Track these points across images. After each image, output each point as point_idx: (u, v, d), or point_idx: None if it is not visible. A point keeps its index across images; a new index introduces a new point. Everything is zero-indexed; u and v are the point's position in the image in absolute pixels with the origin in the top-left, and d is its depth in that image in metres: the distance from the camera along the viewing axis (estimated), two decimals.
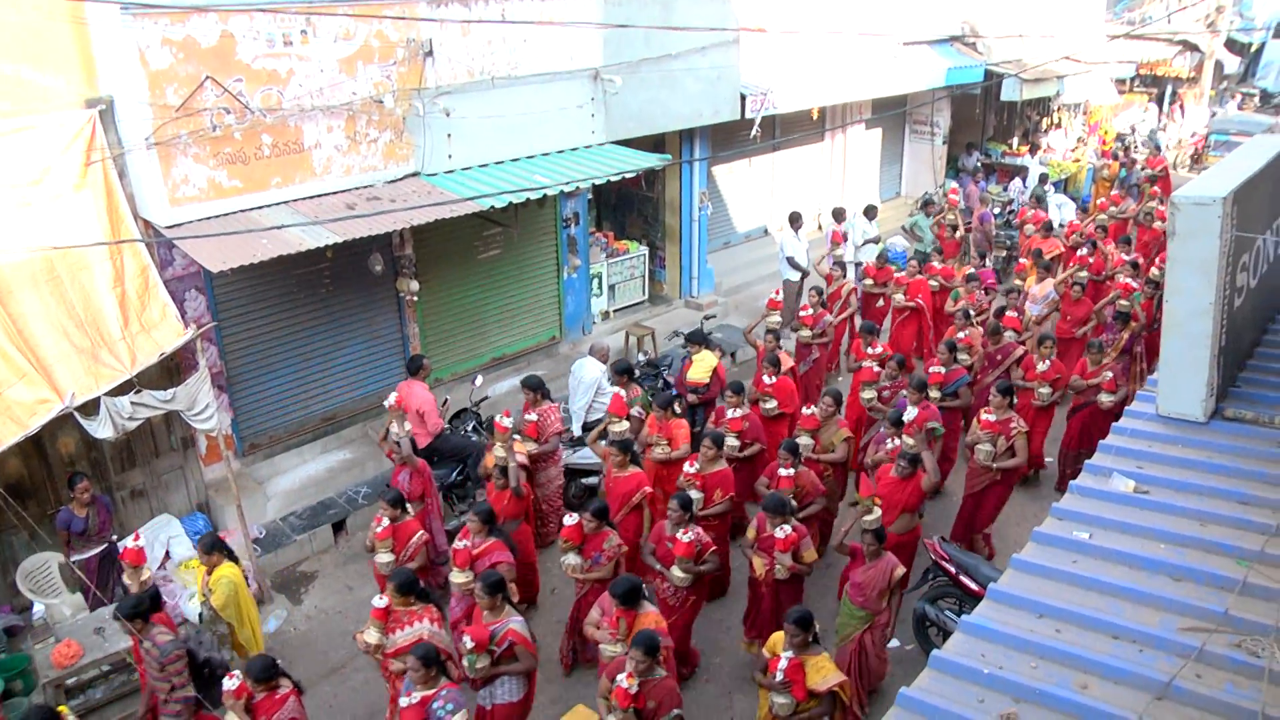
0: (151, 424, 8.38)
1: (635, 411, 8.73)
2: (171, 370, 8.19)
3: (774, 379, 9.01)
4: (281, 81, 8.24)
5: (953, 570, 7.34)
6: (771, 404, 8.90)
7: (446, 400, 9.66)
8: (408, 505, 7.25)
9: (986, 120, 20.17)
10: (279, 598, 8.34)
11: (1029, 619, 4.32)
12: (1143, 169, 18.35)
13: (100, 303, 7.24)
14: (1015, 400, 8.62)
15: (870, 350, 9.69)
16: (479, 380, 9.88)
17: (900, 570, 6.66)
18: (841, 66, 14.30)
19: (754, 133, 13.01)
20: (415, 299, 10.07)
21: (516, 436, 8.04)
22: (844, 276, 12.02)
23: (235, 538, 8.25)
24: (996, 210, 16.11)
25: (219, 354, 8.90)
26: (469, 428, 9.52)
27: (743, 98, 12.57)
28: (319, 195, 8.63)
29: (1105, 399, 9.20)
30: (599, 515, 6.80)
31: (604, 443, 8.01)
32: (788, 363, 9.52)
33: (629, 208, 14.13)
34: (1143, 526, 4.81)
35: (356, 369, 10.19)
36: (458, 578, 6.48)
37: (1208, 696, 3.77)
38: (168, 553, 8.30)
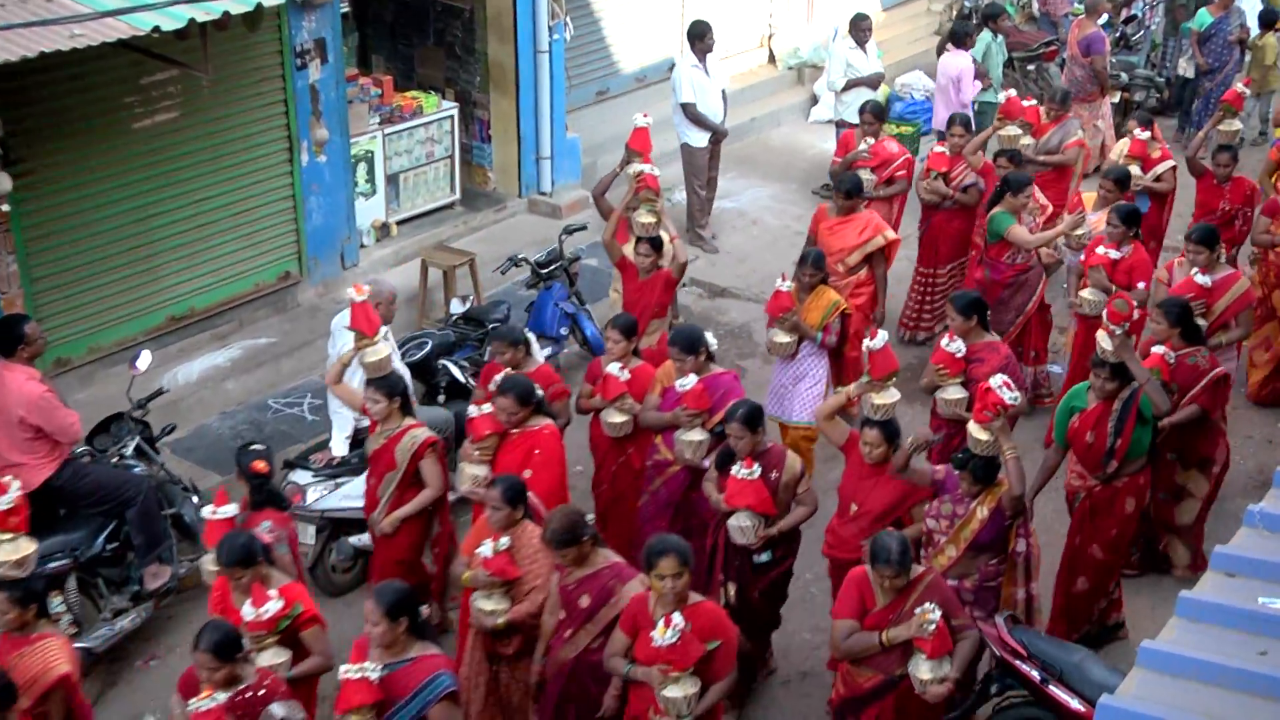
0: None
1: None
2: None
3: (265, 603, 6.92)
4: None
5: (1034, 674, 7.36)
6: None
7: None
8: None
9: None
10: None
11: None
12: None
13: None
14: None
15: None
16: (143, 359, 9.54)
17: None
18: None
19: None
20: (8, 210, 9.89)
21: None
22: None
23: None
24: (1103, 20, 15.55)
25: None
26: (128, 449, 9.20)
27: None
28: None
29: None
30: None
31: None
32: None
33: (419, 32, 14.13)
34: None
35: None
36: None
37: None
38: None
